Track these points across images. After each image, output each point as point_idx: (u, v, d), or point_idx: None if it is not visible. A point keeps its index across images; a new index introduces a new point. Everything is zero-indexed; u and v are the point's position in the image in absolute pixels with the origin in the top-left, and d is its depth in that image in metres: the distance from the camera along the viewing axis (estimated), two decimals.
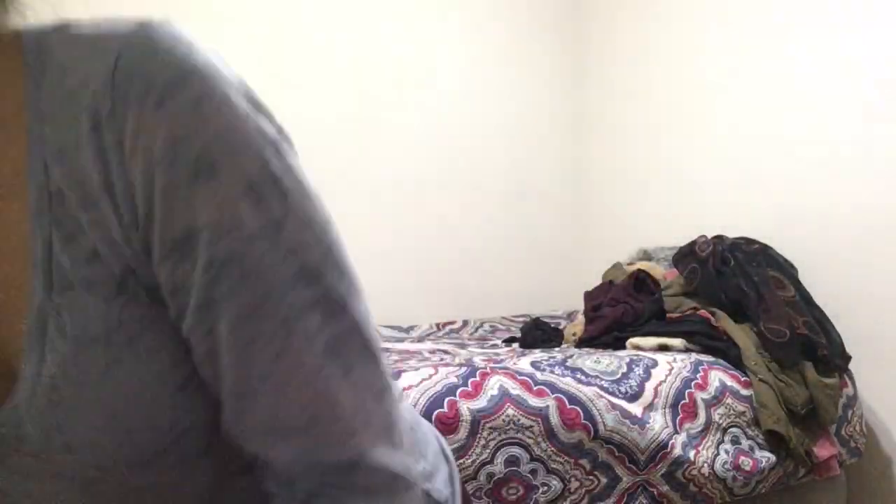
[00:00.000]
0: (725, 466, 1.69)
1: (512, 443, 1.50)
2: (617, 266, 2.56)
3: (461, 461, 1.44)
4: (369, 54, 2.76)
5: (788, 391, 1.81)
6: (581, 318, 2.47)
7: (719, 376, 1.80)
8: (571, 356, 1.79)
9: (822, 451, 1.83)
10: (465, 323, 2.72)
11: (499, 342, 2.32)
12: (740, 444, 1.74)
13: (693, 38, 2.68)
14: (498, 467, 1.47)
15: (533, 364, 1.69)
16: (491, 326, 2.69)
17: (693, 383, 1.75)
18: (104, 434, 0.42)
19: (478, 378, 1.56)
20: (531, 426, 1.52)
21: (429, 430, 0.67)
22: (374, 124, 2.77)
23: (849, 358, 1.97)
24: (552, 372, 1.65)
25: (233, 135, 0.42)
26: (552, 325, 2.43)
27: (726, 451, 1.71)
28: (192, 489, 0.47)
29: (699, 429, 1.70)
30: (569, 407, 1.57)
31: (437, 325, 2.70)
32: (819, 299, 2.24)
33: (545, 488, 1.51)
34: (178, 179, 0.41)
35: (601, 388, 1.65)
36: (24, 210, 0.42)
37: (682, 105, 2.74)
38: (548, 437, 1.53)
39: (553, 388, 1.59)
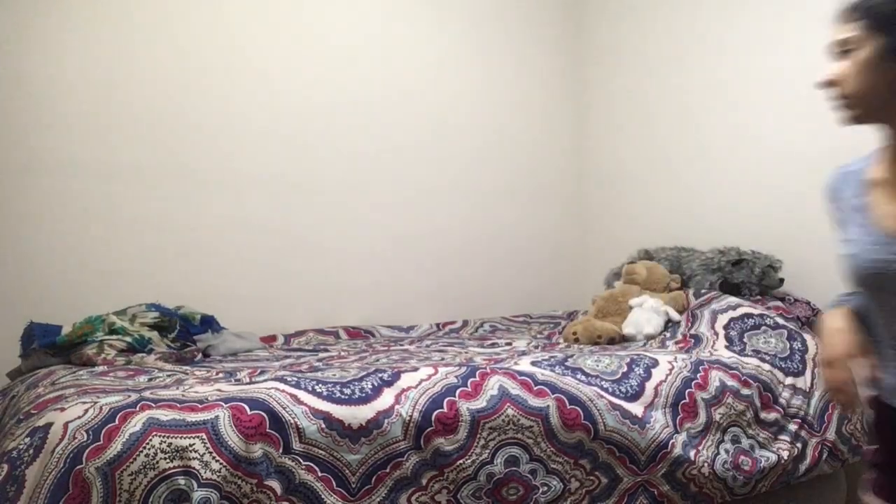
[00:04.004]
0: (725, 466, 1.69)
1: (511, 443, 1.50)
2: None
3: (461, 461, 1.44)
4: (371, 56, 2.76)
5: None
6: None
7: (719, 376, 1.80)
8: (572, 356, 1.79)
9: None
10: (465, 323, 2.72)
11: (499, 342, 2.32)
12: (740, 443, 1.74)
13: (694, 39, 2.68)
14: (498, 467, 1.47)
15: (533, 364, 1.69)
16: (491, 326, 2.69)
17: (693, 383, 1.75)
18: None
19: (477, 378, 1.56)
20: (531, 426, 1.52)
21: None
22: (374, 126, 2.77)
23: None
24: (552, 372, 1.65)
25: None
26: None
27: (726, 451, 1.71)
28: None
29: (699, 428, 1.70)
30: (569, 407, 1.57)
31: (437, 325, 2.70)
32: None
33: (545, 488, 1.51)
34: None
35: (601, 388, 1.64)
36: None
37: (682, 106, 2.74)
38: (547, 437, 1.53)
39: (553, 388, 1.59)
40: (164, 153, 2.41)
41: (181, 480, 1.20)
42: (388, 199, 2.79)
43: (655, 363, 1.78)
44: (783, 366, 1.92)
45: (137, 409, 1.26)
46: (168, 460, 1.20)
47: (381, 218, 2.77)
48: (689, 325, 2.15)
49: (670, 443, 1.64)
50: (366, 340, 2.44)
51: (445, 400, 1.48)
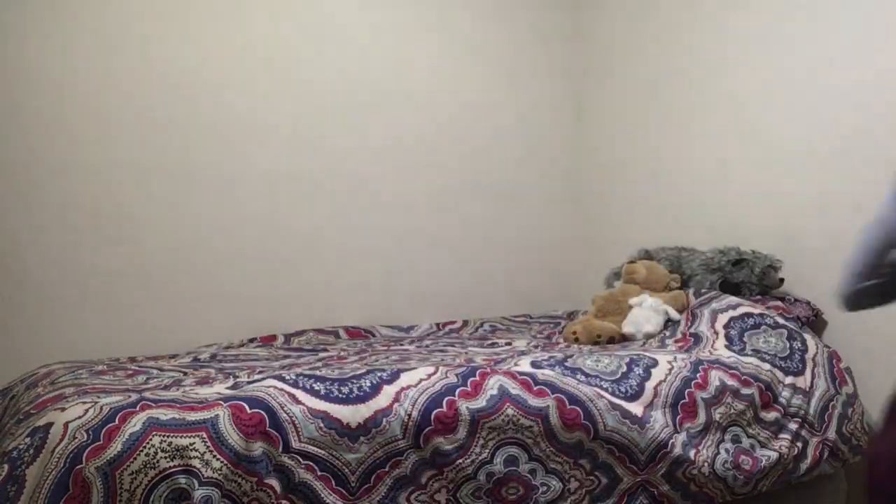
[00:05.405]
0: (726, 465, 1.68)
1: (511, 442, 1.50)
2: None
3: (460, 461, 1.44)
4: (371, 57, 2.76)
5: None
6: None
7: (719, 375, 1.80)
8: (571, 356, 1.79)
9: None
10: (465, 323, 2.72)
11: (499, 342, 2.32)
12: (741, 442, 1.74)
13: (695, 39, 2.68)
14: (497, 467, 1.47)
15: (533, 364, 1.69)
16: (491, 326, 2.69)
17: (693, 383, 1.75)
18: None
19: (477, 378, 1.56)
20: (531, 426, 1.52)
21: None
22: (375, 126, 2.77)
23: None
24: (552, 372, 1.65)
25: None
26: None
27: (726, 451, 1.71)
28: None
29: (699, 428, 1.70)
30: (569, 407, 1.57)
31: (437, 325, 2.70)
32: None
33: (545, 488, 1.51)
34: None
35: (601, 388, 1.64)
36: None
37: (682, 106, 2.74)
38: (547, 437, 1.53)
39: (553, 388, 1.59)
40: (164, 153, 2.42)
41: (182, 479, 1.20)
42: (388, 199, 2.79)
43: (655, 363, 1.78)
44: (783, 365, 1.92)
45: (138, 408, 1.27)
46: (168, 459, 1.20)
47: (381, 218, 2.77)
48: (689, 323, 2.15)
49: (670, 442, 1.64)
50: (366, 340, 2.44)
51: (445, 399, 1.48)
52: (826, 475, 1.92)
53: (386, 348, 2.20)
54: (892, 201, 1.25)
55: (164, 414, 1.26)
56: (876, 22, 2.09)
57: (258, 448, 1.28)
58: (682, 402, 1.71)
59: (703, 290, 2.29)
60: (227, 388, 1.45)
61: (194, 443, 1.23)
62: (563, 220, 3.17)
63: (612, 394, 1.64)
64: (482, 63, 3.00)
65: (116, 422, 1.22)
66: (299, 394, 1.39)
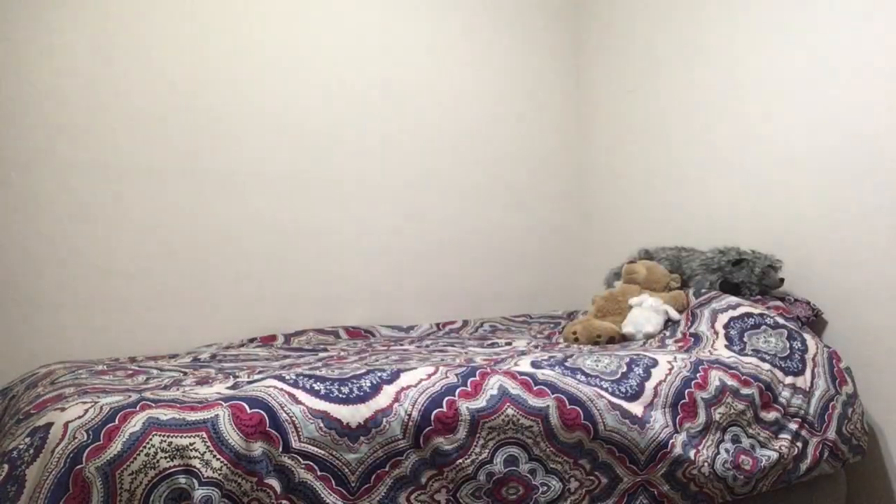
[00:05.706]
0: (726, 466, 1.69)
1: (511, 442, 1.50)
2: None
3: (460, 461, 1.44)
4: (368, 55, 2.76)
5: None
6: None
7: (719, 375, 1.80)
8: (571, 356, 1.79)
9: None
10: (465, 323, 2.72)
11: (499, 342, 2.32)
12: (741, 442, 1.74)
13: (695, 39, 2.68)
14: (497, 467, 1.47)
15: (533, 364, 1.69)
16: (491, 326, 2.69)
17: (693, 383, 1.75)
18: None
19: (477, 378, 1.56)
20: (531, 426, 1.52)
21: None
22: (376, 125, 2.77)
23: None
24: (553, 372, 1.65)
25: None
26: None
27: (727, 451, 1.71)
28: None
29: (699, 428, 1.70)
30: (569, 407, 1.57)
31: (437, 325, 2.70)
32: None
33: (545, 488, 1.51)
34: None
35: (601, 388, 1.64)
36: None
37: (682, 105, 2.74)
38: (547, 437, 1.53)
39: (553, 388, 1.59)
40: (164, 152, 2.42)
41: (182, 479, 1.20)
42: (389, 199, 2.79)
43: (655, 363, 1.78)
44: (783, 365, 1.92)
45: (137, 408, 1.27)
46: (168, 459, 1.20)
47: (382, 218, 2.78)
48: (689, 323, 2.15)
49: (670, 442, 1.64)
50: (366, 340, 2.44)
51: (445, 399, 1.48)
52: (826, 475, 1.92)
53: (386, 348, 2.20)
54: None
55: (164, 414, 1.26)
56: (877, 21, 2.09)
57: (258, 448, 1.28)
58: (682, 402, 1.71)
59: (703, 290, 2.30)
60: (227, 388, 1.45)
61: (194, 443, 1.23)
62: (563, 220, 3.18)
63: (612, 394, 1.64)
64: (481, 63, 3.00)
65: (116, 422, 1.22)
66: (299, 394, 1.39)
